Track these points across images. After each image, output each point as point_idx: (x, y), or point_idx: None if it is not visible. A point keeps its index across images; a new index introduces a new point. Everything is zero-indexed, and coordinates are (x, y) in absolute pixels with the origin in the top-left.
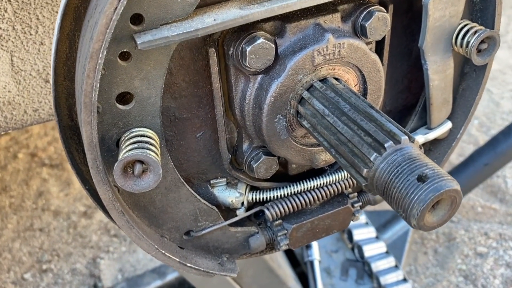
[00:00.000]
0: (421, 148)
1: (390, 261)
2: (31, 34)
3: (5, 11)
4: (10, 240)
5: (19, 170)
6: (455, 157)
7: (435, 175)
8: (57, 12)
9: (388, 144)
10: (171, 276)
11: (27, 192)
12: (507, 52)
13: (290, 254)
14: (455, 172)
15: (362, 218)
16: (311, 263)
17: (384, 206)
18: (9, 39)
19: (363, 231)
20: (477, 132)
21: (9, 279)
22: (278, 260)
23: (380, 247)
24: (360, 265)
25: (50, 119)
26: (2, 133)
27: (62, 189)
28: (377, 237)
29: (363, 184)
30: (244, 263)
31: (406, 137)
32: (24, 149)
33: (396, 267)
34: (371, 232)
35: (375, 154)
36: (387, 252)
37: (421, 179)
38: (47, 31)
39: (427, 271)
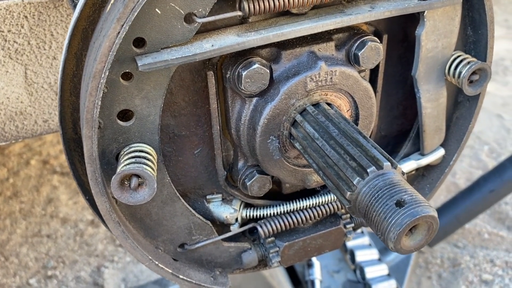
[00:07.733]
0: (403, 175)
1: (392, 284)
2: (45, 49)
3: (22, 26)
4: (18, 245)
5: (31, 177)
6: (463, 182)
7: (413, 201)
8: None
9: (371, 169)
10: None
11: (37, 198)
12: None
13: (291, 272)
14: (461, 197)
15: (366, 239)
16: (312, 282)
17: None
18: (24, 53)
19: (366, 253)
20: (487, 158)
21: (15, 283)
22: (278, 278)
23: (382, 269)
24: (361, 286)
25: (59, 130)
26: (13, 142)
27: (71, 197)
28: (379, 259)
29: (346, 206)
30: (243, 279)
31: (389, 163)
32: (36, 156)
33: None
34: (374, 254)
35: (358, 178)
36: (388, 275)
37: (399, 204)
38: (60, 47)
39: None
